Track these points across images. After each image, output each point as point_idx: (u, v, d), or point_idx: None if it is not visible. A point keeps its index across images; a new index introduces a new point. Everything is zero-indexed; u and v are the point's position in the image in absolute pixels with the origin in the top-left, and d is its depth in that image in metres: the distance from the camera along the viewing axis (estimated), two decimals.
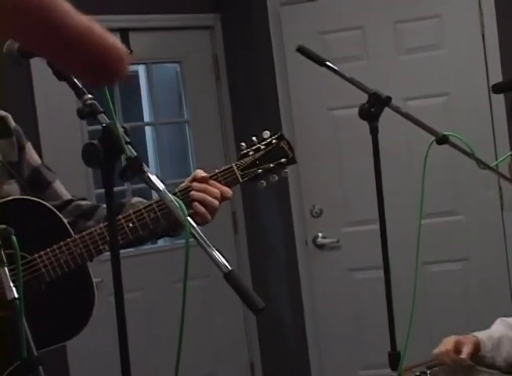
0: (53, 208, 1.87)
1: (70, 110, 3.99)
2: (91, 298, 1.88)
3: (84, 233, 1.86)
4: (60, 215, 1.87)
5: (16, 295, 1.36)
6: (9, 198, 1.84)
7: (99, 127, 1.43)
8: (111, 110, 1.43)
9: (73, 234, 1.87)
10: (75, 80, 1.49)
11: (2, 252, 1.42)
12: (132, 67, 5.07)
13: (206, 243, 1.36)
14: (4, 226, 1.42)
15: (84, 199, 2.10)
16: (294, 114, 4.43)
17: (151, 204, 1.92)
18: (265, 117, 4.48)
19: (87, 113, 1.45)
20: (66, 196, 2.05)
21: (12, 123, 2.00)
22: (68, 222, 1.97)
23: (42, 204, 1.86)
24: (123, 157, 1.41)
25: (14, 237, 1.39)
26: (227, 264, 1.31)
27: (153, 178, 1.40)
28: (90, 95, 1.46)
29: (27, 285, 1.72)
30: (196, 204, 1.93)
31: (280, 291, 4.56)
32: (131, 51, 4.34)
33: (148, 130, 4.98)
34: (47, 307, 1.77)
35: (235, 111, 4.67)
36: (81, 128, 4.14)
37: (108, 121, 1.43)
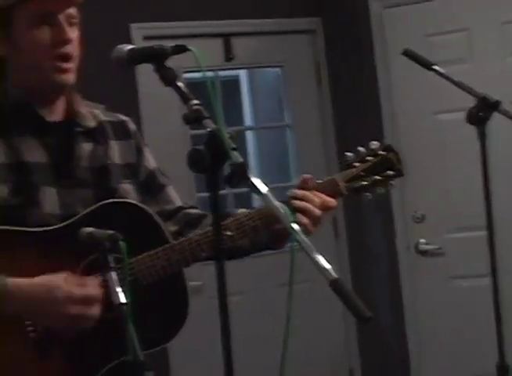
0: (153, 213, 1.87)
1: (173, 115, 4.06)
2: (186, 302, 1.88)
3: (182, 239, 1.86)
4: (159, 222, 1.88)
5: (124, 301, 1.37)
6: (110, 201, 1.85)
7: (201, 131, 1.44)
8: (217, 115, 1.43)
9: (171, 240, 1.87)
10: (181, 85, 1.50)
11: (110, 257, 1.44)
12: (234, 72, 5.10)
13: (311, 250, 1.35)
14: (112, 232, 1.43)
15: (195, 207, 2.10)
16: (398, 118, 4.36)
17: (251, 213, 1.88)
18: (367, 121, 4.43)
19: (193, 119, 1.45)
20: (178, 202, 2.04)
21: (132, 127, 2.04)
22: (176, 231, 1.97)
23: (143, 208, 1.87)
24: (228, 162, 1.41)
25: (122, 243, 1.40)
26: (332, 271, 1.29)
27: (258, 183, 1.39)
28: (196, 101, 1.47)
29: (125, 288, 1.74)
30: (297, 214, 1.87)
31: (381, 297, 4.49)
32: (233, 56, 4.38)
33: (249, 134, 5.00)
34: (143, 310, 1.79)
35: (336, 116, 4.63)
36: (184, 133, 4.19)
37: (214, 126, 1.43)
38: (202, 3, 4.29)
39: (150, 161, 2.05)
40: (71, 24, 1.86)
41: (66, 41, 1.83)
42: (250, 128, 4.92)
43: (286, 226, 1.36)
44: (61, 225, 1.79)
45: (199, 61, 1.42)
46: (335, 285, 1.26)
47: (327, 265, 1.30)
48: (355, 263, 4.60)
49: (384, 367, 4.55)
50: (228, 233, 1.84)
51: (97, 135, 1.94)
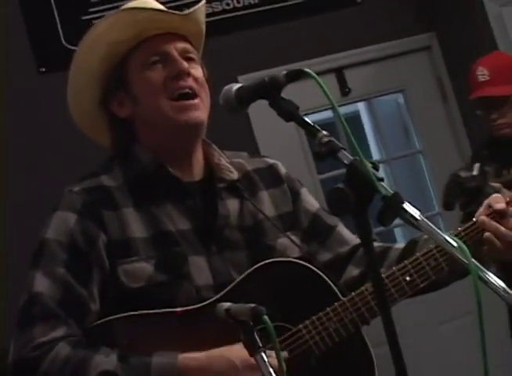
0: (317, 270, 1.62)
1: (295, 158, 3.84)
2: (371, 370, 1.60)
3: (353, 293, 1.60)
4: (325, 277, 1.62)
5: None
6: (268, 261, 1.62)
7: (332, 174, 1.21)
8: (353, 146, 1.20)
9: (340, 297, 1.61)
10: (305, 118, 1.27)
11: (256, 335, 1.20)
12: (352, 107, 4.86)
13: (500, 286, 1.10)
14: (253, 305, 1.19)
15: (373, 240, 1.82)
16: None
17: (430, 250, 1.62)
18: None
19: (325, 153, 1.22)
20: (354, 240, 1.77)
21: (283, 170, 1.81)
22: (360, 274, 1.71)
23: (304, 265, 1.62)
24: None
25: (266, 317, 1.15)
26: None
27: (419, 216, 1.14)
28: (325, 133, 1.23)
29: (295, 361, 1.50)
30: (487, 235, 1.61)
31: None
32: (349, 89, 4.08)
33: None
34: None
35: (469, 132, 4.31)
36: (312, 177, 3.95)
37: (352, 157, 1.20)
38: (306, 41, 4.11)
39: (311, 203, 1.79)
40: (188, 59, 1.67)
41: (182, 73, 1.63)
42: (380, 162, 4.64)
43: (462, 262, 1.11)
44: (213, 298, 1.56)
45: (320, 83, 1.19)
46: None
47: None
48: None
49: None
50: (407, 278, 1.60)
51: (243, 188, 1.71)
